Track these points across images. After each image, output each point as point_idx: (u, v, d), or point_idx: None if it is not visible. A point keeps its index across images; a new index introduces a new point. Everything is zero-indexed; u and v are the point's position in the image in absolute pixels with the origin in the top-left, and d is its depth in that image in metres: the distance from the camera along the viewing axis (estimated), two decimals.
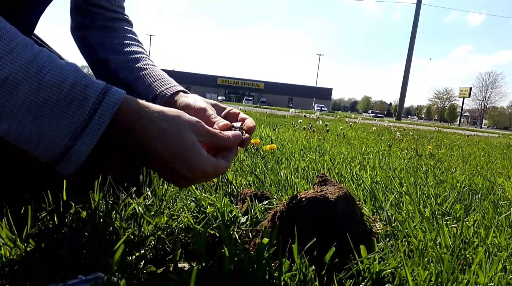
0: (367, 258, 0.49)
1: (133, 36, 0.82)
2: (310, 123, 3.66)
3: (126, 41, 0.78)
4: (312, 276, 0.46)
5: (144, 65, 0.74)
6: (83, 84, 0.40)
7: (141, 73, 0.73)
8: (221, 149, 0.51)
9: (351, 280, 0.47)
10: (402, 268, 0.50)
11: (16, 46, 0.37)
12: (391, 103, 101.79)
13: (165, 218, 0.62)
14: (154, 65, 0.77)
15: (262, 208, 0.68)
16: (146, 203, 0.68)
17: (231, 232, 0.61)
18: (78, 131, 0.39)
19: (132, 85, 0.72)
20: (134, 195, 0.66)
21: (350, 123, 5.54)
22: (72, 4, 0.79)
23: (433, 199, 0.97)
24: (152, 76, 0.72)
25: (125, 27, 0.82)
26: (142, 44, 0.83)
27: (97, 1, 0.78)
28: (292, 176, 1.04)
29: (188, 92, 0.72)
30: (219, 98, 38.84)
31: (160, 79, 0.72)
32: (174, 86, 0.71)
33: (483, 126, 63.12)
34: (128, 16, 0.86)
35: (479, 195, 1.07)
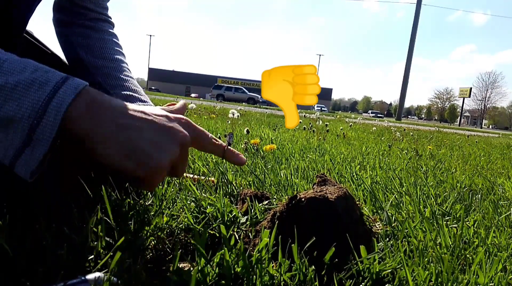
0: (367, 258, 0.49)
1: (115, 40, 0.84)
2: (310, 123, 3.66)
3: (108, 46, 0.80)
4: (312, 276, 0.46)
5: (125, 76, 0.77)
6: (45, 70, 0.39)
7: (120, 83, 0.75)
8: None
9: (351, 280, 0.47)
10: (402, 268, 0.50)
11: None
12: (391, 103, 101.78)
13: (165, 218, 0.62)
14: (133, 78, 0.80)
15: (262, 208, 0.68)
16: (146, 203, 0.68)
17: (231, 232, 0.61)
18: (41, 107, 0.37)
19: (109, 91, 0.73)
20: (134, 195, 0.66)
21: (350, 123, 5.53)
22: (55, 2, 0.80)
23: (433, 199, 0.97)
24: (129, 89, 0.75)
25: (107, 29, 0.84)
26: (122, 49, 0.85)
27: (82, 2, 0.79)
28: (292, 176, 1.04)
29: None
30: None
31: (136, 94, 0.75)
32: (146, 102, 0.74)
33: (483, 126, 63.09)
34: (111, 18, 0.87)
35: (479, 195, 1.07)
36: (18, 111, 0.37)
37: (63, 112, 0.37)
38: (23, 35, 0.67)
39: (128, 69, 0.81)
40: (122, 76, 0.76)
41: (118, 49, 0.82)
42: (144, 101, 0.74)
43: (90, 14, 0.80)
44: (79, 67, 0.77)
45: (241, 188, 0.91)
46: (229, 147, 0.55)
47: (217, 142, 0.52)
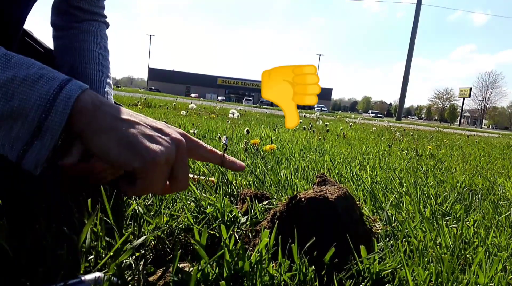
0: (367, 258, 0.49)
1: (102, 44, 0.82)
2: (310, 123, 3.66)
3: (90, 50, 0.78)
4: (312, 276, 0.46)
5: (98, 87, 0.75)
6: (51, 69, 0.40)
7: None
8: None
9: (351, 280, 0.47)
10: (402, 268, 0.50)
11: None
12: (391, 103, 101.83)
13: (165, 218, 0.62)
14: (110, 95, 0.78)
15: (262, 208, 0.68)
16: (146, 203, 0.68)
17: (231, 232, 0.61)
18: (51, 97, 0.38)
19: None
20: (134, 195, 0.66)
21: (350, 123, 5.54)
22: (54, 3, 0.80)
23: (433, 199, 0.97)
24: None
25: (97, 30, 0.82)
26: (108, 54, 0.84)
27: (78, 3, 0.78)
28: (292, 176, 1.04)
29: None
30: (219, 98, 38.81)
31: None
32: None
33: (483, 126, 63.08)
34: (106, 17, 0.87)
35: (479, 195, 1.07)
36: (27, 103, 0.37)
37: (72, 101, 0.38)
38: (20, 35, 0.66)
39: (107, 81, 0.79)
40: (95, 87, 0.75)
41: (101, 54, 0.80)
42: None
43: (83, 16, 0.80)
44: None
45: (241, 188, 0.91)
46: (225, 154, 0.55)
47: (214, 150, 0.53)
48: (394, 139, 3.40)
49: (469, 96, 43.87)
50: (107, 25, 0.87)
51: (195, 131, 2.02)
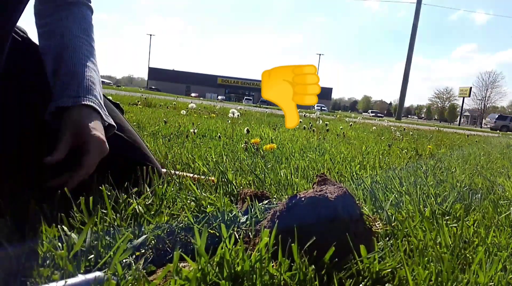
0: (366, 257, 0.49)
1: (86, 37, 0.79)
2: (310, 123, 3.66)
3: (76, 45, 0.75)
4: (312, 275, 0.46)
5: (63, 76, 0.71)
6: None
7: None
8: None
9: (351, 280, 0.47)
10: (402, 267, 0.50)
11: None
12: (391, 102, 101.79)
13: (165, 218, 0.62)
14: (95, 72, 0.75)
15: (262, 207, 0.68)
16: (146, 203, 0.68)
17: (231, 231, 0.61)
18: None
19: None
20: (134, 195, 0.66)
21: (350, 123, 5.54)
22: None
23: (433, 199, 0.97)
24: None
25: (81, 18, 0.79)
26: (89, 31, 0.80)
27: None
28: (292, 176, 1.04)
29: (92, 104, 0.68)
30: (219, 98, 38.75)
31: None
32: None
33: (483, 125, 63.06)
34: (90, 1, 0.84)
35: (479, 195, 1.07)
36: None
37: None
38: (10, 37, 0.65)
39: (92, 68, 0.75)
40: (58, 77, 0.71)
41: (85, 39, 0.77)
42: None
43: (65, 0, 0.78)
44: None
45: (241, 187, 0.91)
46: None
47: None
48: (394, 138, 3.40)
49: (469, 96, 43.79)
50: (90, 9, 0.84)
51: (195, 131, 2.02)
